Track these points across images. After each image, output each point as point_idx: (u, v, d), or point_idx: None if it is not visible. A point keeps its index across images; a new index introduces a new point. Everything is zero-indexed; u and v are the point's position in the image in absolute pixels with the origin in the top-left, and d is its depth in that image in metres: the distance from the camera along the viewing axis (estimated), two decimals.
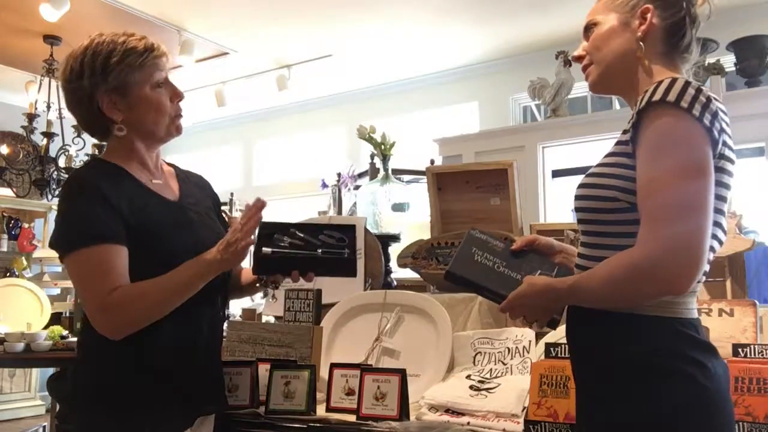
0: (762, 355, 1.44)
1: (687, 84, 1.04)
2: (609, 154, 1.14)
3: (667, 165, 1.00)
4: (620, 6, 1.21)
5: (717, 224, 1.07)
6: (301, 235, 1.51)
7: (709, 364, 1.03)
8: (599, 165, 1.14)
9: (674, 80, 1.05)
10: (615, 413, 1.05)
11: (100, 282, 1.30)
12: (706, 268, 1.08)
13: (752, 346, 1.46)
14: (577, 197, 1.15)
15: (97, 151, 4.65)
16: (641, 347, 1.04)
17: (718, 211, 1.07)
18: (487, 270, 1.31)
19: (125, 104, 1.42)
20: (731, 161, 1.09)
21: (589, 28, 1.25)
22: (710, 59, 3.73)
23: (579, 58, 1.27)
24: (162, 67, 1.46)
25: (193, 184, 1.60)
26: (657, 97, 1.03)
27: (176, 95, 1.48)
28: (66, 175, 4.74)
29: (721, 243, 1.12)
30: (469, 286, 1.32)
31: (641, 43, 1.17)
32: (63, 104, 5.38)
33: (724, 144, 1.05)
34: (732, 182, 1.10)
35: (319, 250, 1.48)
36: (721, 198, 1.07)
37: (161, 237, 1.40)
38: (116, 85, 1.40)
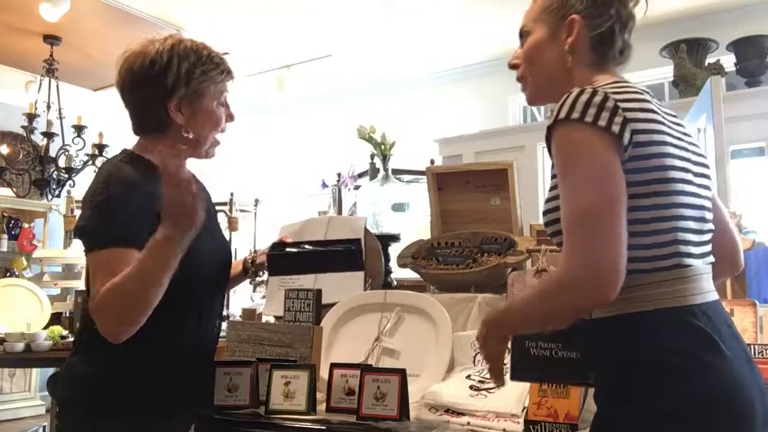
0: (762, 355, 1.44)
1: (580, 92, 1.04)
2: (551, 177, 1.16)
3: (567, 186, 1.03)
4: (549, 16, 1.20)
5: (670, 205, 1.05)
6: (309, 248, 1.61)
7: (708, 357, 0.99)
8: (549, 189, 1.16)
9: (569, 94, 1.05)
10: (603, 416, 1.07)
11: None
12: (697, 249, 1.07)
13: (752, 346, 1.46)
14: (544, 224, 1.18)
15: (97, 151, 4.66)
16: (627, 347, 1.04)
17: (667, 193, 1.05)
18: (547, 361, 1.29)
19: (190, 110, 1.45)
20: (656, 143, 1.05)
21: (522, 35, 1.25)
22: (710, 59, 3.74)
23: (514, 67, 1.28)
24: (228, 88, 1.52)
25: (202, 189, 1.61)
26: (552, 119, 1.06)
27: (230, 116, 1.53)
28: (66, 175, 4.74)
29: (700, 220, 1.09)
30: (537, 382, 1.36)
31: (568, 56, 1.17)
32: (63, 104, 5.37)
33: (636, 132, 1.03)
34: (672, 161, 1.06)
35: (331, 247, 1.61)
36: (658, 181, 1.04)
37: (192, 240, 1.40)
38: (193, 91, 1.43)
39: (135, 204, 1.33)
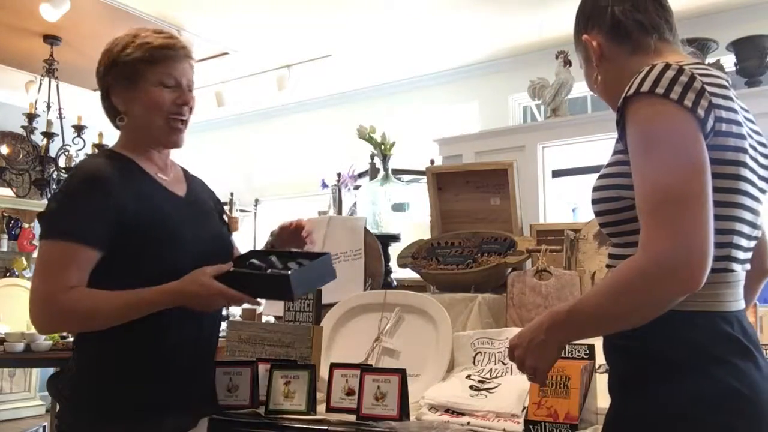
0: None
1: (665, 67, 0.99)
2: (612, 153, 1.12)
3: (653, 162, 0.96)
4: (579, 50, 1.25)
5: (734, 204, 1.01)
6: (273, 260, 1.46)
7: (740, 364, 0.97)
8: (605, 166, 1.12)
9: (652, 67, 1.00)
10: (627, 409, 1.04)
11: (58, 275, 1.30)
12: (743, 255, 1.04)
13: None
14: (591, 202, 1.14)
15: (97, 151, 4.66)
16: (657, 343, 1.00)
17: (734, 191, 1.01)
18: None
19: (128, 96, 1.46)
20: (734, 135, 1.01)
21: None
22: (710, 59, 3.73)
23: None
24: (174, 68, 1.46)
25: (197, 184, 1.63)
26: (632, 90, 0.99)
27: (181, 98, 1.46)
28: (66, 175, 4.74)
29: (753, 225, 1.05)
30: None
31: (604, 66, 1.19)
32: (63, 104, 5.37)
33: (719, 119, 0.99)
34: (746, 160, 1.02)
35: (269, 271, 1.41)
36: (730, 176, 1.01)
37: (167, 229, 1.41)
38: (124, 74, 1.45)
39: (93, 197, 1.34)
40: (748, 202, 1.04)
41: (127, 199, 1.36)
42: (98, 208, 1.33)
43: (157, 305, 1.34)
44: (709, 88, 0.99)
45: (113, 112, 1.50)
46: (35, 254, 5.44)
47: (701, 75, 1.00)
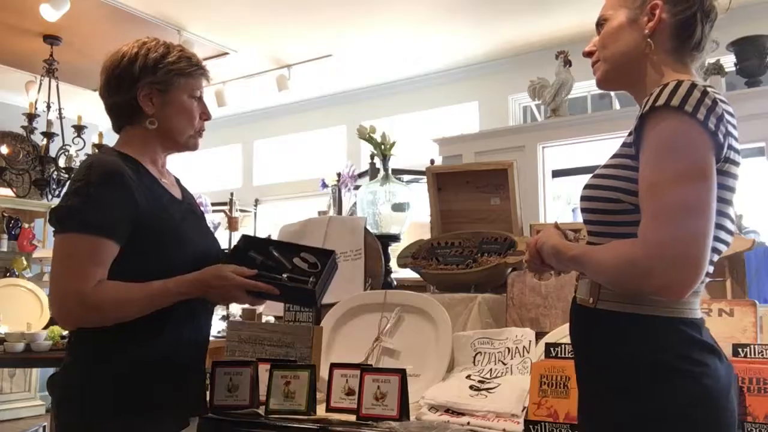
0: (762, 355, 1.44)
1: (693, 86, 1.02)
2: (614, 156, 1.13)
3: (670, 169, 0.99)
4: (630, 1, 1.19)
5: (721, 227, 1.07)
6: (276, 255, 1.53)
7: (711, 364, 1.03)
8: (604, 166, 1.14)
9: (679, 83, 1.02)
10: (616, 412, 1.05)
11: (87, 270, 1.30)
12: (710, 269, 1.07)
13: (752, 346, 1.46)
14: (582, 198, 1.15)
15: (97, 151, 4.65)
16: (642, 347, 1.04)
17: (723, 214, 1.06)
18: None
19: (160, 101, 1.49)
20: (736, 164, 1.07)
21: (600, 23, 1.23)
22: (710, 59, 3.73)
23: (589, 54, 1.26)
24: (201, 85, 1.56)
25: (186, 189, 1.67)
26: (661, 101, 1.01)
27: (205, 114, 1.57)
28: (66, 175, 4.74)
29: (726, 244, 1.11)
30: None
31: (649, 41, 1.15)
32: (63, 104, 5.34)
33: (730, 147, 1.04)
34: (737, 185, 1.09)
35: (285, 275, 1.48)
36: (725, 201, 1.07)
37: (173, 230, 1.45)
38: (161, 80, 1.47)
39: (115, 192, 1.35)
40: (729, 224, 1.10)
41: (140, 197, 1.39)
42: (120, 202, 1.35)
43: (181, 295, 1.37)
44: (726, 116, 1.03)
45: (131, 112, 1.49)
46: (35, 254, 5.46)
47: (720, 101, 1.03)
